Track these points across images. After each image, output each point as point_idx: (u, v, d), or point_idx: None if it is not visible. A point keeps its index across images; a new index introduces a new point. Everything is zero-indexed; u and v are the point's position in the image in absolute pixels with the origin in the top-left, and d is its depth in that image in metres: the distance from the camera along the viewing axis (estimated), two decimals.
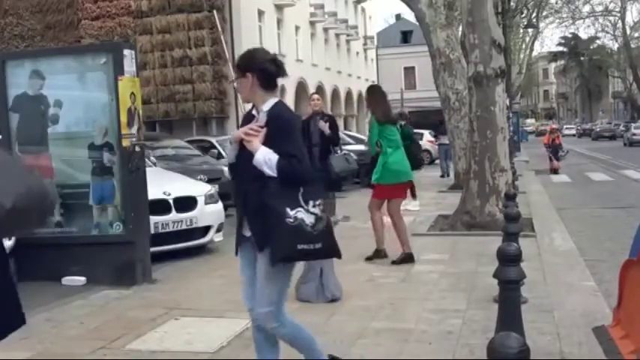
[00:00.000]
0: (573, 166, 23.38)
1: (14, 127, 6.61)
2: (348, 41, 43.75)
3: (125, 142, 6.23)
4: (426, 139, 23.48)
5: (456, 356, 4.02)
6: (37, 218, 2.13)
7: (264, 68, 3.21)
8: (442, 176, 17.99)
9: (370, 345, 4.28)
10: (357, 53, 46.55)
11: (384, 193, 6.96)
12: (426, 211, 10.86)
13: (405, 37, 56.46)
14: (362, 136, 19.11)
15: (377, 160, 6.86)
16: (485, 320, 4.57)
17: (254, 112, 3.29)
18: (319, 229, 3.02)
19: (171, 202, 7.45)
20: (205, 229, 7.79)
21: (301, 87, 34.69)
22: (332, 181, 7.76)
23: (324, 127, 7.80)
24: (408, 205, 11.38)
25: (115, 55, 6.26)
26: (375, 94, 7.19)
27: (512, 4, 27.53)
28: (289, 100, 32.85)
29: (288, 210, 2.97)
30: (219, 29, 24.96)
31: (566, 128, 51.20)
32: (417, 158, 6.97)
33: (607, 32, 56.23)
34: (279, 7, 31.88)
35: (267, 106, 3.21)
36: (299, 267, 5.60)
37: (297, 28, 34.58)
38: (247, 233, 3.20)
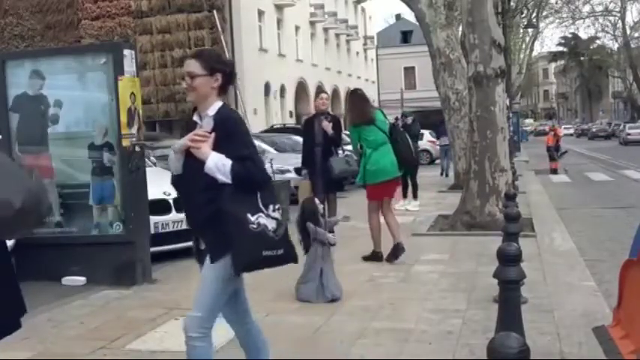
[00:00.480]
0: (573, 166, 23.38)
1: (14, 127, 6.61)
2: (348, 41, 43.79)
3: (125, 142, 6.23)
4: (426, 139, 23.47)
5: (456, 356, 4.02)
6: (36, 219, 2.15)
7: (231, 72, 3.07)
8: (441, 174, 18.13)
9: (370, 345, 4.28)
10: (357, 53, 46.58)
11: (375, 193, 6.96)
12: (426, 211, 10.86)
13: (405, 37, 56.47)
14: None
15: None
16: (485, 320, 4.57)
17: (195, 118, 3.08)
18: (280, 234, 2.93)
19: (171, 202, 7.44)
20: None
21: (301, 87, 34.72)
22: (332, 181, 7.76)
23: (328, 127, 7.80)
24: (408, 205, 11.42)
25: (115, 55, 6.26)
26: (351, 98, 7.28)
27: (512, 4, 27.52)
28: (289, 100, 32.91)
29: (249, 216, 2.82)
30: (219, 29, 24.97)
31: (564, 128, 51.47)
32: (401, 157, 6.88)
33: (607, 32, 56.26)
34: (279, 7, 31.89)
35: (212, 110, 3.01)
36: (298, 267, 5.61)
37: (297, 28, 34.60)
38: (202, 246, 3.07)
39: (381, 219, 7.12)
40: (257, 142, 15.91)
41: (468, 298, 5.31)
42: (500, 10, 21.52)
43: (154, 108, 25.30)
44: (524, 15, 34.10)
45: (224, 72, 3.02)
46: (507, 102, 18.68)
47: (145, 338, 4.58)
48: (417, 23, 16.37)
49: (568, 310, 4.87)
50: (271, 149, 14.94)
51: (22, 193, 2.04)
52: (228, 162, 2.86)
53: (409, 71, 54.67)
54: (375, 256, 6.95)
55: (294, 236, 5.79)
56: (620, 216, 11.01)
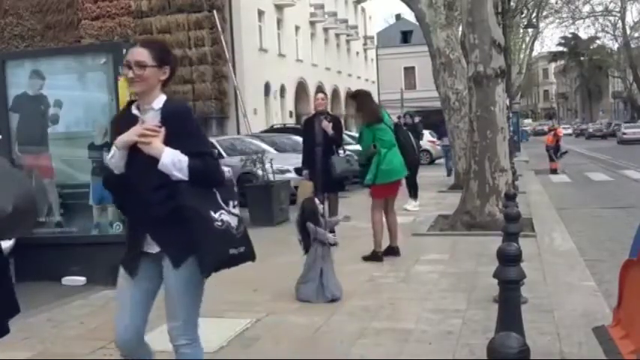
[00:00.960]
0: (573, 166, 23.38)
1: (14, 127, 6.61)
2: (348, 41, 43.80)
3: None
4: (426, 139, 23.47)
5: (456, 356, 4.02)
6: (31, 220, 2.16)
7: (176, 65, 2.94)
8: (448, 175, 18.05)
9: (370, 345, 4.28)
10: (357, 53, 46.59)
11: (382, 192, 7.01)
12: (426, 211, 10.87)
13: (405, 37, 56.50)
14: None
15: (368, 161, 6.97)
16: (485, 320, 4.57)
17: (135, 111, 2.86)
18: (241, 232, 2.82)
19: None
20: None
21: (301, 87, 34.73)
22: (334, 181, 7.75)
23: (328, 127, 7.78)
24: (408, 205, 11.42)
25: (115, 55, 6.26)
26: (360, 98, 7.28)
27: (512, 4, 27.52)
28: (289, 100, 32.90)
29: (212, 213, 2.69)
30: (219, 29, 24.98)
31: (563, 128, 52.12)
32: (406, 157, 7.05)
33: (607, 32, 56.26)
34: (279, 7, 31.90)
35: (158, 103, 2.82)
36: (298, 267, 5.61)
37: (297, 28, 34.61)
38: (152, 249, 2.82)
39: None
40: (257, 142, 16.02)
41: (468, 298, 5.31)
42: (500, 10, 21.51)
43: None
44: (524, 15, 34.09)
45: (171, 65, 2.87)
46: (507, 102, 18.66)
47: (144, 338, 4.57)
48: (417, 23, 16.37)
49: (568, 310, 4.87)
50: (271, 149, 14.94)
51: (15, 197, 2.05)
52: (185, 158, 2.70)
53: (409, 71, 54.70)
54: (374, 256, 6.95)
55: (294, 236, 5.82)
56: (620, 216, 11.01)
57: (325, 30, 39.14)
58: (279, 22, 32.25)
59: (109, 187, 2.96)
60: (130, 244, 2.89)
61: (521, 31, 38.39)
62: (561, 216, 10.25)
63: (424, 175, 14.99)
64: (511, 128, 23.48)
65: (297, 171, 13.47)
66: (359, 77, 45.84)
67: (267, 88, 29.63)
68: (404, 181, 8.40)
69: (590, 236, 9.12)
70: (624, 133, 41.65)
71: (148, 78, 2.79)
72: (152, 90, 2.82)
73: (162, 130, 2.72)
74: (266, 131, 21.02)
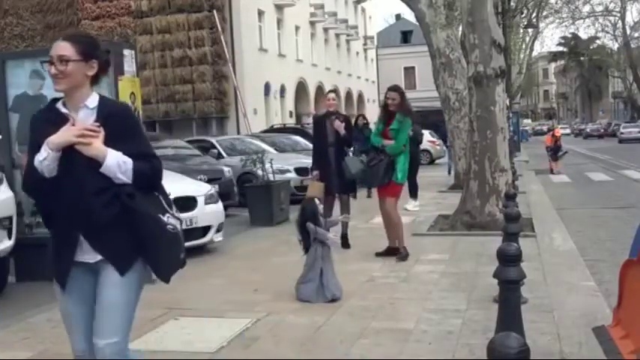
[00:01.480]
0: (573, 166, 23.38)
1: (14, 127, 6.61)
2: (348, 41, 43.81)
3: None
4: (426, 139, 23.45)
5: (456, 356, 4.02)
6: None
7: (107, 60, 2.73)
8: (449, 174, 18.06)
9: (370, 345, 4.28)
10: (357, 53, 46.60)
11: (400, 191, 7.25)
12: (426, 211, 10.86)
13: (405, 37, 56.52)
14: None
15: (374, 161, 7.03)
16: (485, 320, 4.57)
17: (63, 109, 2.64)
18: (182, 235, 2.71)
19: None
20: (205, 229, 7.79)
21: (301, 87, 34.75)
22: (347, 182, 7.67)
23: (340, 127, 7.68)
24: (408, 205, 11.41)
25: (115, 55, 6.25)
26: (402, 93, 7.32)
27: (512, 4, 27.51)
28: (289, 100, 32.90)
29: (161, 216, 2.58)
30: (219, 29, 24.98)
31: (561, 128, 52.87)
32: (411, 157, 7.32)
33: (607, 32, 56.25)
34: (279, 7, 31.91)
35: (92, 101, 2.63)
36: (298, 267, 5.61)
37: (297, 28, 34.61)
38: (88, 259, 2.62)
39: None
40: (257, 142, 16.03)
41: (468, 298, 5.31)
42: (500, 10, 21.51)
43: (154, 108, 25.31)
44: (524, 15, 34.08)
45: (100, 59, 2.67)
46: (507, 102, 18.65)
47: (145, 338, 4.58)
48: (417, 23, 16.36)
49: (568, 310, 4.87)
50: (271, 149, 14.94)
51: None
52: (129, 160, 2.54)
53: (409, 71, 54.71)
54: (402, 252, 7.03)
55: (294, 236, 5.82)
56: (620, 216, 11.01)
57: (325, 30, 39.14)
58: (279, 22, 32.25)
59: (34, 192, 2.71)
60: (61, 255, 2.67)
61: (521, 31, 38.38)
62: (561, 216, 10.26)
63: (424, 175, 14.98)
64: (511, 128, 23.47)
65: (297, 171, 13.52)
66: (359, 77, 45.85)
67: (267, 88, 29.63)
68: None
69: (590, 236, 9.13)
70: (622, 133, 44.43)
71: (72, 74, 2.58)
72: (80, 87, 2.62)
73: (101, 130, 2.54)
74: (266, 131, 21.02)
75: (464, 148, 13.13)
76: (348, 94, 43.17)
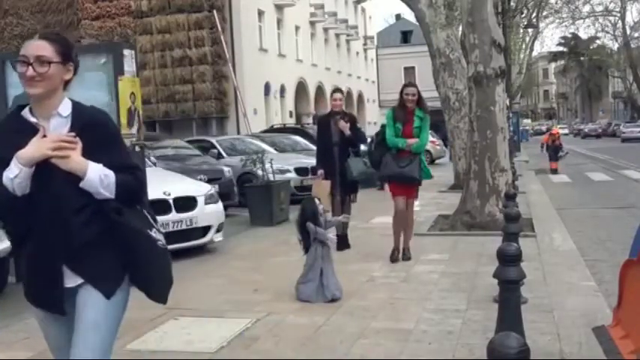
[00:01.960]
0: (573, 166, 23.38)
1: None
2: (348, 41, 43.81)
3: (125, 142, 6.23)
4: None
5: (456, 356, 4.02)
6: None
7: (78, 64, 2.49)
8: None
9: (370, 345, 4.28)
10: (357, 53, 46.60)
11: None
12: (426, 211, 10.86)
13: (405, 37, 56.51)
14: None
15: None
16: (485, 320, 4.57)
17: (31, 118, 2.34)
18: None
19: (171, 202, 7.45)
20: (205, 229, 7.79)
21: (301, 87, 34.75)
22: (350, 183, 7.63)
23: (345, 127, 7.59)
24: None
25: (115, 55, 6.27)
26: (418, 90, 7.06)
27: (512, 4, 27.51)
28: (289, 100, 32.90)
29: (150, 232, 2.38)
30: (219, 29, 24.98)
31: (560, 128, 53.76)
32: None
33: (607, 32, 56.26)
34: (279, 7, 31.90)
35: (65, 108, 2.36)
36: (298, 267, 5.61)
37: (297, 28, 34.61)
38: (68, 283, 2.34)
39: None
40: (257, 142, 16.04)
41: (468, 298, 5.31)
42: (500, 10, 21.51)
43: (154, 108, 25.31)
44: (524, 15, 34.08)
45: (75, 62, 2.44)
46: (507, 102, 18.65)
47: (144, 338, 4.58)
48: (417, 23, 16.37)
49: (568, 310, 4.87)
50: (271, 149, 14.94)
51: None
52: (111, 172, 2.30)
53: (409, 71, 54.65)
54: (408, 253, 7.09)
55: (294, 236, 5.82)
56: (620, 216, 11.01)
57: (325, 30, 39.14)
58: (279, 22, 32.25)
59: (4, 212, 2.36)
60: (47, 283, 2.34)
61: (521, 31, 38.38)
62: (561, 216, 10.26)
63: None
64: (511, 128, 23.47)
65: (298, 171, 13.53)
66: (359, 77, 45.86)
67: (267, 88, 29.62)
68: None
69: (590, 236, 9.12)
70: (623, 132, 46.06)
71: (52, 77, 2.32)
72: (56, 92, 2.35)
73: (78, 141, 2.27)
74: (266, 131, 21.02)
75: (464, 148, 13.14)
76: (348, 94, 43.15)
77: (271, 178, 10.91)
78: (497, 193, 8.76)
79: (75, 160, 2.25)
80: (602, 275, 6.44)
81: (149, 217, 2.43)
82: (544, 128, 55.51)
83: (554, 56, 78.22)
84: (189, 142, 14.46)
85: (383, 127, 7.17)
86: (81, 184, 2.26)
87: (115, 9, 25.68)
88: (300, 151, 15.95)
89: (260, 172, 11.15)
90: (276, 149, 15.47)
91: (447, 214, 9.78)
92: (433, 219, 9.82)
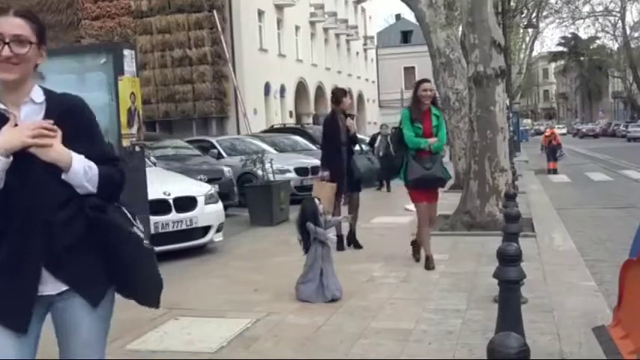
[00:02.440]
0: (573, 166, 23.38)
1: None
2: (348, 41, 43.81)
3: (125, 142, 6.23)
4: None
5: (456, 356, 4.02)
6: None
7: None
8: None
9: (370, 345, 4.28)
10: (357, 53, 46.60)
11: None
12: None
13: (405, 37, 56.56)
14: (363, 136, 19.11)
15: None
16: (485, 320, 4.57)
17: (0, 105, 2.07)
18: None
19: (171, 202, 7.45)
20: (205, 229, 7.79)
21: (301, 87, 34.74)
22: (357, 180, 7.62)
23: (352, 125, 7.58)
24: (408, 205, 11.41)
25: (115, 55, 6.27)
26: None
27: (512, 4, 27.54)
28: (289, 100, 32.89)
29: (134, 231, 2.17)
30: (219, 29, 24.98)
31: (557, 128, 54.58)
32: None
33: (607, 32, 56.37)
34: (279, 7, 31.90)
35: (37, 94, 2.12)
36: (298, 267, 5.61)
37: (297, 28, 34.61)
38: (48, 290, 2.09)
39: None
40: (257, 142, 16.04)
41: (468, 298, 5.31)
42: (500, 10, 21.53)
43: (154, 108, 25.30)
44: (524, 15, 34.12)
45: (45, 44, 2.18)
46: (507, 102, 18.65)
47: (144, 338, 4.58)
48: (417, 23, 16.37)
49: (568, 310, 4.87)
50: (271, 149, 14.95)
51: None
52: (94, 164, 2.09)
53: (409, 71, 54.69)
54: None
55: (294, 236, 5.82)
56: (620, 216, 11.01)
57: (325, 30, 39.14)
58: (279, 22, 32.24)
59: None
60: (15, 290, 2.04)
61: (521, 31, 38.41)
62: (561, 216, 10.25)
63: None
64: (511, 128, 23.47)
65: (297, 171, 13.53)
66: (359, 77, 45.85)
67: (267, 88, 29.62)
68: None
69: (590, 236, 9.12)
70: (629, 132, 47.15)
71: (30, 60, 2.08)
72: (25, 78, 2.10)
73: (58, 129, 2.05)
74: (266, 131, 21.03)
75: (464, 148, 13.13)
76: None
77: (271, 178, 10.91)
78: (497, 193, 8.76)
79: (57, 149, 2.02)
80: (602, 275, 6.44)
81: (129, 214, 2.20)
82: (542, 128, 56.09)
83: (554, 56, 78.23)
84: (189, 142, 14.46)
85: (395, 129, 7.02)
86: (64, 177, 2.04)
87: (115, 9, 25.68)
88: (300, 151, 15.95)
89: (260, 172, 11.15)
90: (276, 149, 15.47)
91: (447, 214, 9.77)
92: None
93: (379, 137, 15.92)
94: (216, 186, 9.54)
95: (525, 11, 33.80)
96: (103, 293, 2.17)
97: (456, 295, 5.43)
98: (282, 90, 31.93)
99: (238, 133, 23.64)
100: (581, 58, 77.02)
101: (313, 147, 15.82)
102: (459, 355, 4.03)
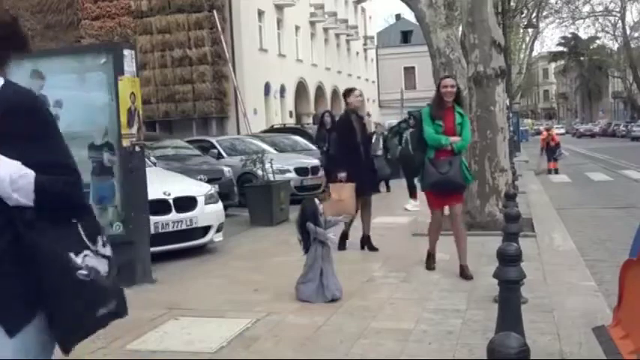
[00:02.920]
0: (573, 166, 23.38)
1: None
2: (348, 41, 43.81)
3: (125, 142, 6.23)
4: None
5: (456, 356, 4.02)
6: None
7: (13, 34, 2.02)
8: None
9: (370, 345, 4.28)
10: (357, 53, 46.60)
11: None
12: (426, 211, 10.83)
13: (405, 37, 56.51)
14: None
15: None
16: (485, 320, 4.57)
17: None
18: (113, 279, 1.93)
19: (171, 202, 7.45)
20: (205, 229, 7.79)
21: (301, 87, 34.75)
22: (376, 182, 7.50)
23: (370, 123, 7.49)
24: (408, 205, 11.42)
25: (115, 55, 6.26)
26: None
27: (512, 4, 27.54)
28: (289, 100, 32.89)
29: (73, 257, 1.80)
30: (219, 29, 24.98)
31: (556, 127, 55.34)
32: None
33: (607, 32, 56.36)
34: (279, 7, 31.90)
35: None
36: (298, 267, 5.61)
37: (297, 28, 34.61)
38: None
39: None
40: (257, 142, 16.04)
41: (468, 298, 5.31)
42: (500, 10, 21.53)
43: (154, 108, 25.31)
44: (524, 15, 34.11)
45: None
46: (507, 102, 18.65)
47: (144, 338, 4.58)
48: (417, 23, 16.34)
49: (568, 310, 4.87)
50: (271, 149, 14.95)
51: None
52: (30, 172, 1.77)
53: (409, 71, 54.69)
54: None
55: (294, 236, 5.81)
56: (620, 216, 11.01)
57: (325, 30, 39.13)
58: (279, 22, 32.24)
59: None
60: None
61: (521, 31, 38.40)
62: (561, 216, 10.25)
63: None
64: (511, 128, 23.46)
65: (297, 171, 13.53)
66: (359, 77, 45.82)
67: (267, 88, 29.62)
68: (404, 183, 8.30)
69: (590, 236, 9.12)
70: (633, 131, 47.37)
71: None
72: None
73: None
74: (266, 131, 21.03)
75: None
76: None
77: (271, 178, 10.91)
78: (497, 193, 8.76)
79: None
80: (602, 275, 6.44)
81: (84, 234, 1.87)
82: (541, 128, 56.52)
83: (554, 56, 78.21)
84: (189, 142, 14.46)
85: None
86: None
87: (115, 9, 25.68)
88: (300, 151, 15.95)
89: (260, 172, 11.15)
90: (276, 149, 15.47)
91: (447, 214, 9.77)
92: None
93: (374, 137, 15.93)
94: (216, 186, 9.54)
95: (525, 11, 33.79)
96: (22, 322, 1.80)
97: (456, 295, 5.43)
98: (282, 90, 31.93)
99: (238, 133, 23.64)
100: (581, 58, 77.01)
101: (313, 147, 15.82)
102: (459, 355, 4.03)
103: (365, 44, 48.45)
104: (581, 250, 7.46)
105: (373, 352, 4.13)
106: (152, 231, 6.84)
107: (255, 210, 10.38)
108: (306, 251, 5.54)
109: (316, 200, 5.80)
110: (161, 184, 7.58)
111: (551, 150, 21.30)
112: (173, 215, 7.43)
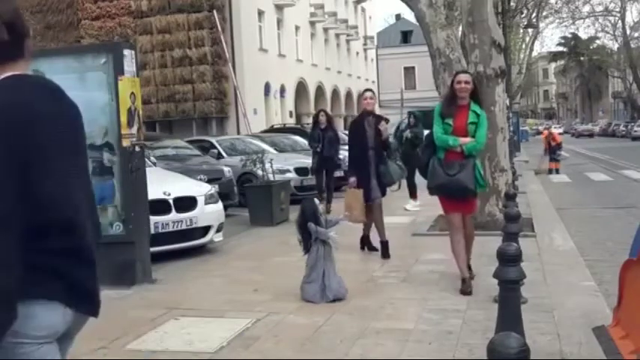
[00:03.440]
0: (573, 166, 23.38)
1: None
2: (348, 41, 43.81)
3: (125, 142, 6.23)
4: None
5: (456, 356, 4.02)
6: None
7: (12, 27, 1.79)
8: None
9: (370, 345, 4.28)
10: (357, 53, 46.60)
11: None
12: (426, 211, 10.85)
13: (405, 37, 56.52)
14: None
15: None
16: (485, 320, 4.57)
17: None
18: None
19: (171, 202, 7.45)
20: (205, 229, 7.79)
21: (301, 87, 34.76)
22: (383, 188, 7.39)
23: (386, 130, 7.31)
24: (408, 205, 11.42)
25: (115, 55, 6.26)
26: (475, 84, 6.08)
27: (512, 4, 27.53)
28: (289, 100, 32.89)
29: None
30: (219, 29, 24.98)
31: (555, 127, 55.77)
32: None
33: (607, 32, 56.40)
34: (279, 7, 31.90)
35: None
36: (299, 267, 5.61)
37: (297, 28, 34.61)
38: None
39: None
40: (257, 142, 16.02)
41: (468, 298, 5.31)
42: (500, 10, 21.53)
43: (154, 108, 25.31)
44: (524, 15, 34.10)
45: None
46: (507, 102, 18.65)
47: (144, 338, 4.58)
48: (417, 23, 16.34)
49: (568, 310, 4.87)
50: (271, 149, 14.95)
51: None
52: None
53: (409, 71, 54.70)
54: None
55: (294, 236, 5.81)
56: (620, 216, 11.01)
57: (325, 30, 39.13)
58: (279, 22, 32.24)
59: None
60: None
61: (521, 31, 38.40)
62: (561, 216, 10.25)
63: None
64: (511, 128, 23.45)
65: (298, 171, 13.53)
66: (359, 77, 45.84)
67: (267, 88, 29.63)
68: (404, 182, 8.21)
69: (590, 236, 9.12)
70: (635, 131, 47.31)
71: None
72: None
73: None
74: (266, 131, 21.02)
75: None
76: (348, 94, 43.16)
77: (271, 178, 10.91)
78: (497, 193, 8.76)
79: None
80: (602, 275, 6.43)
81: None
82: (541, 128, 57.20)
83: (554, 56, 78.18)
84: (189, 142, 14.46)
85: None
86: None
87: (115, 9, 25.69)
88: (300, 151, 15.95)
89: (260, 172, 11.15)
90: (276, 149, 15.47)
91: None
92: (433, 219, 9.81)
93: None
94: (216, 186, 9.54)
95: (525, 11, 33.79)
96: None
97: (456, 295, 5.43)
98: (282, 90, 31.93)
99: (238, 133, 23.64)
100: (581, 58, 76.96)
101: None
102: (459, 355, 4.03)
103: (365, 44, 48.46)
104: (581, 250, 7.46)
105: (373, 352, 4.13)
106: (152, 231, 6.85)
107: (255, 210, 10.38)
108: (307, 252, 5.54)
109: (316, 200, 5.80)
110: (161, 184, 7.59)
111: (552, 149, 21.31)
112: (173, 215, 7.43)
